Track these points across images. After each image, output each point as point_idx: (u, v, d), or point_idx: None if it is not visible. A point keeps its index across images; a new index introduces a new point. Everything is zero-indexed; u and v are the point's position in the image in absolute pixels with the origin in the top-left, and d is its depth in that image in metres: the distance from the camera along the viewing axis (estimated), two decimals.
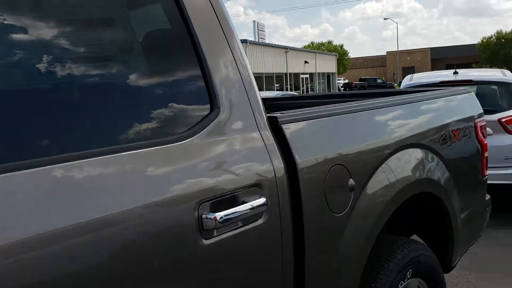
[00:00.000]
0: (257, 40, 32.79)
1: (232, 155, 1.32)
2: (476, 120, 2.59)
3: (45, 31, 1.08)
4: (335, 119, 1.66)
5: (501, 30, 63.76)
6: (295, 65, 36.20)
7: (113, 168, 1.06)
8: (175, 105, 1.29)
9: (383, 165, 1.77)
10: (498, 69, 5.95)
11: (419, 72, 8.54)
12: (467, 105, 2.61)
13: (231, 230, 1.22)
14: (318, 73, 41.76)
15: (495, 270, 3.59)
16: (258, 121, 1.42)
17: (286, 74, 34.60)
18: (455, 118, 2.40)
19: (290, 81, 35.39)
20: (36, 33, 1.06)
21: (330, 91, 44.88)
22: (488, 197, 2.78)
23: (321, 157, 1.53)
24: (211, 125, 1.28)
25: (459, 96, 2.59)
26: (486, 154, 2.66)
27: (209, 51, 1.34)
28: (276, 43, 34.88)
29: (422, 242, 2.32)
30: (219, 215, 1.17)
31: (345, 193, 1.61)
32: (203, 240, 1.16)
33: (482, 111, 2.71)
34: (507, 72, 5.53)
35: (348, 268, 1.65)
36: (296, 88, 36.24)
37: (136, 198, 1.06)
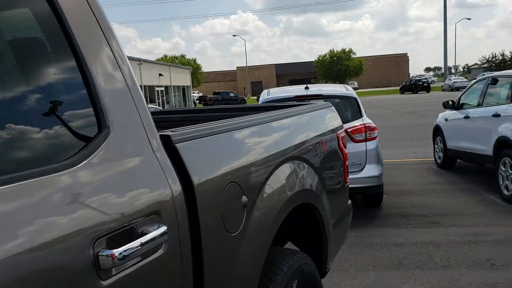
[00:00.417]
0: None
1: (126, 181, 1.17)
2: (338, 132, 2.80)
3: None
4: (227, 135, 1.62)
5: (333, 49, 71.94)
6: (150, 78, 35.47)
7: None
8: (56, 126, 1.10)
9: (270, 179, 1.78)
10: (342, 84, 6.61)
11: (266, 87, 9.04)
12: (330, 118, 2.81)
13: (131, 266, 1.08)
14: (173, 86, 41.53)
15: (350, 267, 3.93)
16: (152, 141, 1.29)
17: (140, 86, 33.50)
18: (323, 130, 2.56)
19: (145, 93, 34.47)
20: None
21: (186, 104, 44.92)
22: (349, 202, 3.02)
23: (217, 176, 1.47)
24: (100, 149, 1.13)
25: (324, 110, 2.78)
26: (347, 163, 2.89)
27: (92, 61, 1.18)
28: (128, 55, 33.71)
29: (299, 250, 2.40)
30: (118, 251, 1.03)
31: (239, 211, 1.57)
32: (101, 281, 1.00)
33: (341, 123, 2.94)
34: (349, 87, 6.18)
35: (246, 285, 1.61)
36: (152, 101, 35.44)
37: (16, 241, 0.87)
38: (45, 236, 0.92)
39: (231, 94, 51.07)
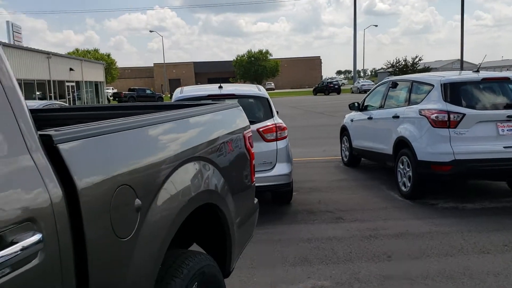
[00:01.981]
0: (12, 43, 28.89)
1: None
2: (245, 132, 2.82)
3: None
4: (118, 135, 1.54)
5: (251, 50, 73.00)
6: (60, 72, 33.36)
7: None
8: None
9: (168, 181, 1.74)
10: (255, 85, 6.71)
11: (185, 85, 8.90)
12: (237, 118, 2.82)
13: None
14: (85, 81, 39.43)
15: (258, 264, 4.00)
16: (28, 141, 1.20)
17: (49, 81, 31.50)
18: (229, 130, 2.56)
19: (54, 89, 32.39)
20: None
21: (99, 100, 42.90)
22: (256, 200, 3.06)
23: (104, 179, 1.39)
24: None
25: (230, 110, 2.78)
26: (253, 162, 2.93)
27: None
28: (36, 47, 31.34)
29: (203, 251, 2.38)
30: None
31: (132, 215, 1.51)
32: None
33: (248, 123, 2.97)
34: (261, 87, 6.29)
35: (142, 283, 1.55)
36: (61, 96, 33.38)
37: None
38: None
39: (148, 91, 49.70)
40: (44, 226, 1.13)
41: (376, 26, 73.19)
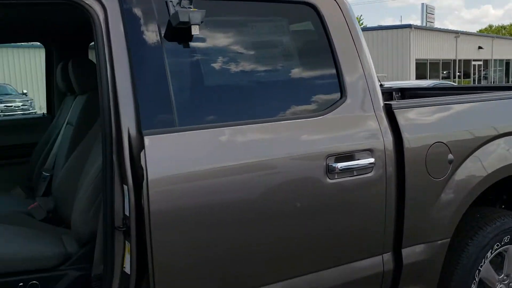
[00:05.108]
0: (424, 24, 31.25)
1: (353, 128, 1.96)
2: None
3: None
4: (441, 108, 2.16)
5: None
6: (466, 51, 33.48)
7: (281, 130, 1.81)
8: (318, 92, 1.99)
9: (480, 149, 2.19)
10: None
11: None
12: None
13: (348, 176, 1.88)
14: (494, 59, 37.81)
15: None
16: (376, 106, 2.02)
17: (454, 60, 32.31)
18: None
19: (460, 68, 32.95)
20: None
21: (508, 80, 40.24)
22: None
23: (424, 135, 2.06)
24: (340, 107, 1.95)
25: None
26: None
27: (342, 57, 2.00)
28: (446, 27, 32.71)
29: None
30: (340, 165, 1.84)
31: (444, 164, 2.10)
32: (328, 179, 1.84)
33: None
34: None
35: (444, 222, 2.13)
36: (467, 75, 33.57)
37: (289, 150, 1.79)
38: (304, 150, 1.81)
39: None
40: (376, 155, 1.94)
41: None
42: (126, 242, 1.65)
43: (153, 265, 1.55)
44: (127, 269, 1.64)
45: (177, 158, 1.62)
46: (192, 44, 1.77)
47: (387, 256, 2.05)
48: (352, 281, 1.99)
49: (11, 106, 16.49)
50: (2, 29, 3.22)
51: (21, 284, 1.83)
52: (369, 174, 1.93)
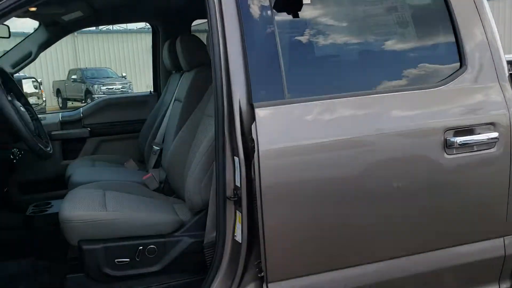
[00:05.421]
0: None
1: (474, 100, 1.81)
2: None
3: None
4: None
5: None
6: None
7: (394, 102, 1.72)
8: (436, 62, 1.86)
9: None
10: None
11: None
12: None
13: (467, 152, 1.74)
14: None
15: None
16: (500, 76, 1.84)
17: None
18: None
19: None
20: None
21: None
22: None
23: None
24: (459, 78, 1.80)
25: None
26: None
27: (462, 24, 1.83)
28: None
29: None
30: (459, 139, 1.71)
31: None
32: (446, 154, 1.72)
33: None
34: None
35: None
36: None
37: (404, 123, 1.70)
38: (421, 122, 1.71)
39: None
40: (500, 130, 1.77)
41: None
42: (237, 212, 1.69)
43: (264, 235, 1.57)
44: (238, 238, 1.69)
45: (288, 130, 1.62)
46: (302, 14, 1.73)
47: (510, 239, 1.89)
48: (467, 264, 1.86)
49: (112, 88, 17.57)
50: (115, 11, 3.43)
51: (141, 248, 1.96)
52: (491, 150, 1.77)
